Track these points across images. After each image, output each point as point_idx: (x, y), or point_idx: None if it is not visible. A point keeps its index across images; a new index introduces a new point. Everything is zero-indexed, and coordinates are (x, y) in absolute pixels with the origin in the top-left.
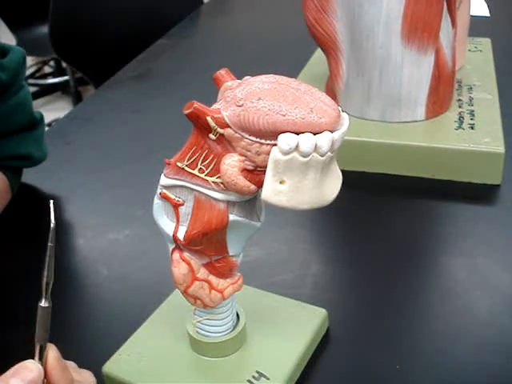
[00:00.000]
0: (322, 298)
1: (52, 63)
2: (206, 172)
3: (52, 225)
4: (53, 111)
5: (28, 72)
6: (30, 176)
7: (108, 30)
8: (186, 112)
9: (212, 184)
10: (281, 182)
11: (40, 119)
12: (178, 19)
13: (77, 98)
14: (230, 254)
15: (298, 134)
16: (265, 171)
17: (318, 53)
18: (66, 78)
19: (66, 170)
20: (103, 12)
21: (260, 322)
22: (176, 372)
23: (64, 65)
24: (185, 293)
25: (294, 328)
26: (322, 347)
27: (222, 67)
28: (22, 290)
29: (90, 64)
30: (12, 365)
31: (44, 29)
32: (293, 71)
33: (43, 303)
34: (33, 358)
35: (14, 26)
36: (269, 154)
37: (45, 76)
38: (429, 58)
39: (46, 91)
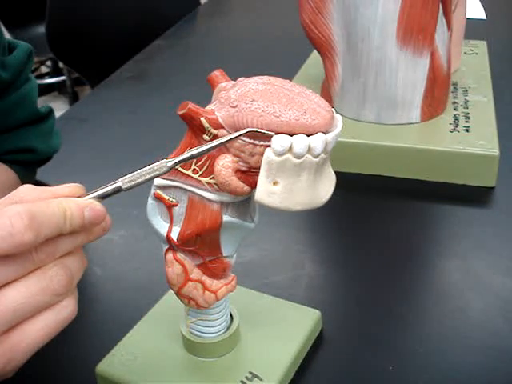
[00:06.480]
0: (316, 299)
1: (49, 63)
2: (200, 173)
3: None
4: None
5: None
6: None
7: (105, 30)
8: (180, 113)
9: (206, 185)
10: (274, 183)
11: (47, 113)
12: (175, 20)
13: (73, 98)
14: (224, 254)
15: (291, 135)
16: (258, 172)
17: (314, 54)
18: (62, 78)
19: (61, 169)
20: (100, 12)
21: (254, 323)
22: (169, 372)
23: (61, 65)
24: (178, 293)
25: (287, 329)
26: (316, 348)
27: (218, 68)
28: None
29: (86, 64)
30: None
31: (41, 29)
32: (289, 73)
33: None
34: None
35: (10, 26)
36: (262, 155)
37: (41, 76)
38: (424, 61)
39: (42, 91)
